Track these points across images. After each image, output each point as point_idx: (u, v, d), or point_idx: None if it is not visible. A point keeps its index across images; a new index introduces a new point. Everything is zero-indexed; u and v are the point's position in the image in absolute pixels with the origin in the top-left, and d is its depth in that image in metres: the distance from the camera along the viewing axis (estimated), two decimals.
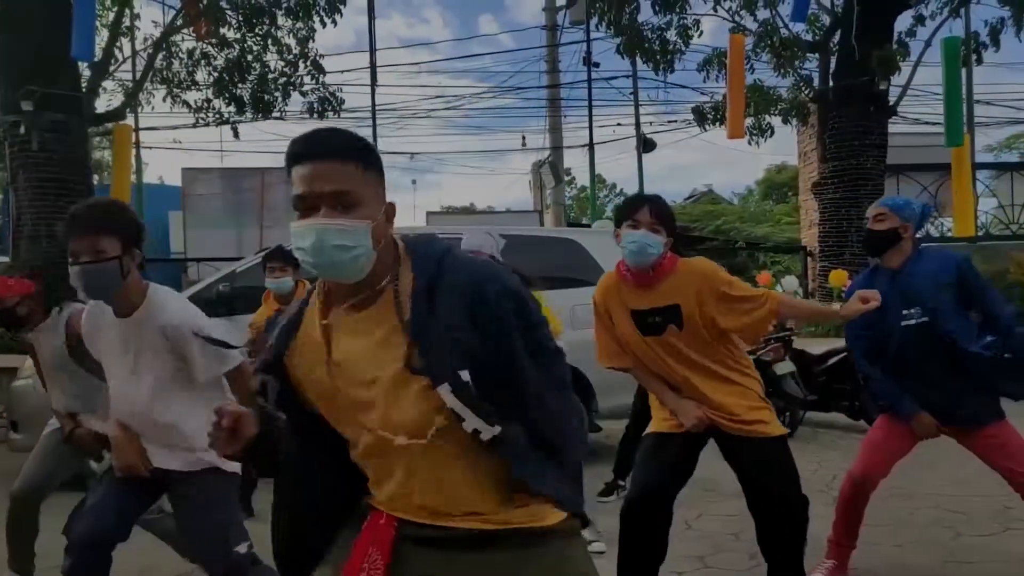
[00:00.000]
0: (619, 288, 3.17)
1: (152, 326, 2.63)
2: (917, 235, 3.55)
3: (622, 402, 6.78)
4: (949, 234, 13.13)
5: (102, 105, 12.48)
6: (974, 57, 11.63)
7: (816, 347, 8.60)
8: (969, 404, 3.42)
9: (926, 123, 15.03)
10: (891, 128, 12.67)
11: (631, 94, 15.02)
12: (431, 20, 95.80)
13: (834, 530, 3.69)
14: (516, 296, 1.53)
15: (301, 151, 1.51)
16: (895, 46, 11.37)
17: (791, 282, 12.04)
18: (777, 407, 7.71)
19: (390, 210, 1.56)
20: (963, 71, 13.14)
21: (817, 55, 12.57)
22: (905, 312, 3.40)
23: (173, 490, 2.84)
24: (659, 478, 3.08)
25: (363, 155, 1.53)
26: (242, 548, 2.72)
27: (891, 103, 11.81)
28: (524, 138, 25.74)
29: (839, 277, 10.80)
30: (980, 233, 14.37)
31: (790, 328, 8.69)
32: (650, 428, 3.23)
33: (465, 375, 1.47)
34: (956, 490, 5.35)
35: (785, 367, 7.77)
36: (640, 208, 3.04)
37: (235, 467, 2.75)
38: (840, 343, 8.45)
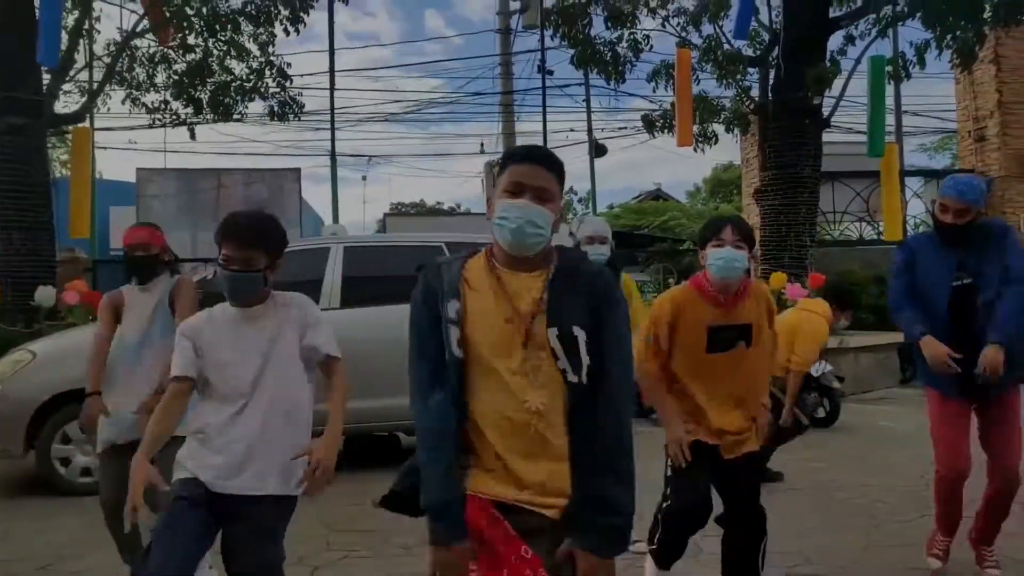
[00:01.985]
0: (696, 303, 3.33)
1: (276, 316, 2.82)
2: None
3: None
4: (881, 237, 13.88)
5: (60, 107, 12.57)
6: (902, 74, 12.34)
7: None
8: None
9: (860, 132, 15.89)
10: (827, 137, 13.38)
11: (584, 101, 15.52)
12: (377, 14, 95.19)
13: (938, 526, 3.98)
14: (615, 294, 2.08)
15: (524, 154, 2.12)
16: (828, 63, 12.03)
17: None
18: None
19: (560, 215, 2.12)
20: (892, 86, 13.97)
21: (757, 69, 13.19)
22: (956, 274, 3.67)
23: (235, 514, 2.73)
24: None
25: (559, 171, 2.11)
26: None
27: (825, 116, 12.49)
28: (483, 144, 26.02)
29: (778, 280, 11.45)
30: (910, 236, 15.25)
31: None
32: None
33: (576, 330, 1.98)
34: (881, 481, 5.93)
35: None
36: (724, 227, 3.26)
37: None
38: None
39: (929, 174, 16.77)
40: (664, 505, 3.45)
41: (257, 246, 2.77)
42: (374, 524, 4.94)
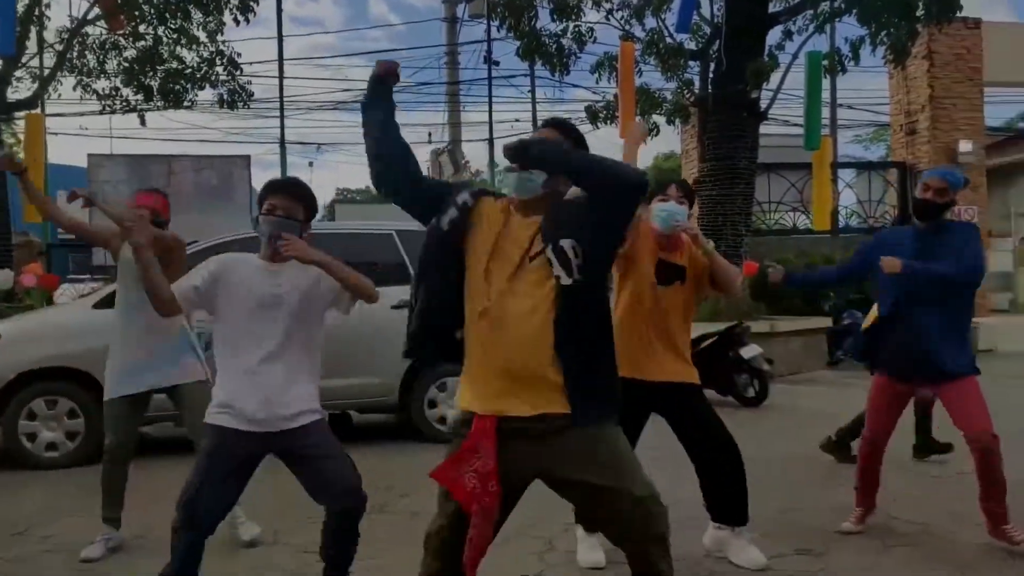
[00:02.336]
0: (649, 238, 3.77)
1: (299, 269, 3.10)
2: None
3: None
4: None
5: (11, 93, 12.61)
6: (838, 68, 12.92)
7: (692, 331, 9.66)
8: (950, 354, 3.92)
9: (797, 124, 16.54)
10: (765, 129, 13.95)
11: (529, 92, 15.91)
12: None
13: (857, 492, 4.36)
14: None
15: (548, 122, 2.66)
16: (767, 58, 12.54)
17: None
18: None
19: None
20: (828, 80, 14.60)
21: (698, 62, 13.67)
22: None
23: (288, 453, 3.08)
24: None
25: (574, 136, 2.58)
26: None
27: (763, 109, 13.04)
28: (430, 135, 26.26)
29: None
30: (841, 226, 15.97)
31: None
32: None
33: (565, 242, 2.31)
34: (800, 454, 6.42)
35: None
36: (669, 186, 3.78)
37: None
38: (713, 327, 9.59)
39: (862, 166, 17.51)
40: None
41: (299, 200, 3.16)
42: None
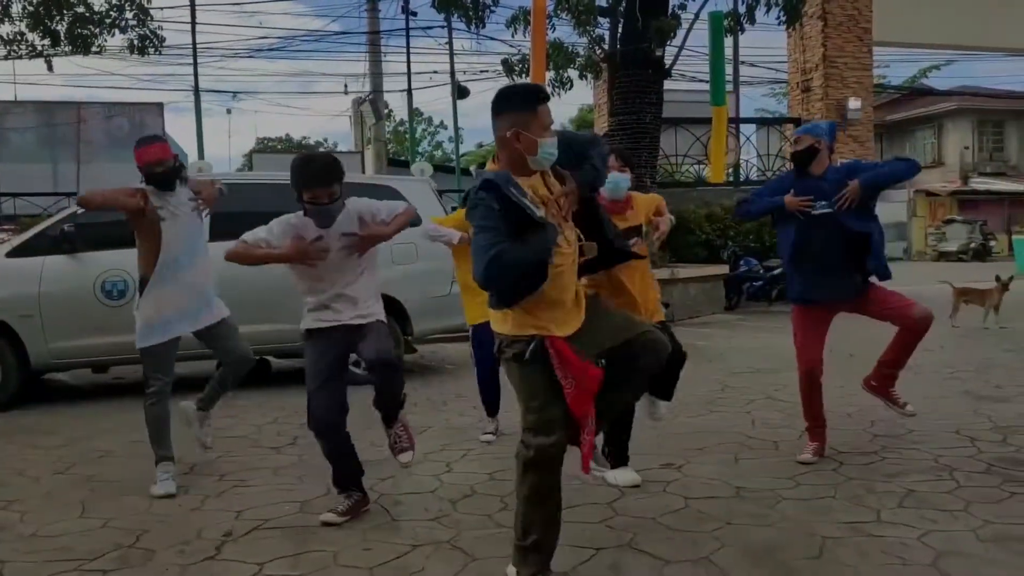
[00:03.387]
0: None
1: (348, 219, 3.88)
2: (830, 146, 4.55)
3: (434, 326, 8.13)
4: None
5: None
6: (737, 28, 13.50)
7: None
8: (855, 281, 4.45)
9: (702, 81, 17.16)
10: (673, 85, 14.46)
11: (447, 43, 16.07)
12: None
13: (805, 418, 4.67)
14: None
15: (545, 95, 3.00)
16: (670, 17, 13.03)
17: None
18: None
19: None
20: (731, 39, 15.17)
21: (608, 19, 14.07)
22: (818, 204, 4.37)
23: (359, 338, 3.90)
24: None
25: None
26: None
27: (667, 66, 13.56)
28: (347, 85, 26.06)
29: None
30: (741, 179, 16.73)
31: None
32: None
33: None
34: (684, 388, 7.02)
35: None
36: (608, 156, 3.93)
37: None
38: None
39: (761, 121, 18.28)
40: None
41: (334, 182, 3.76)
42: (244, 431, 5.78)
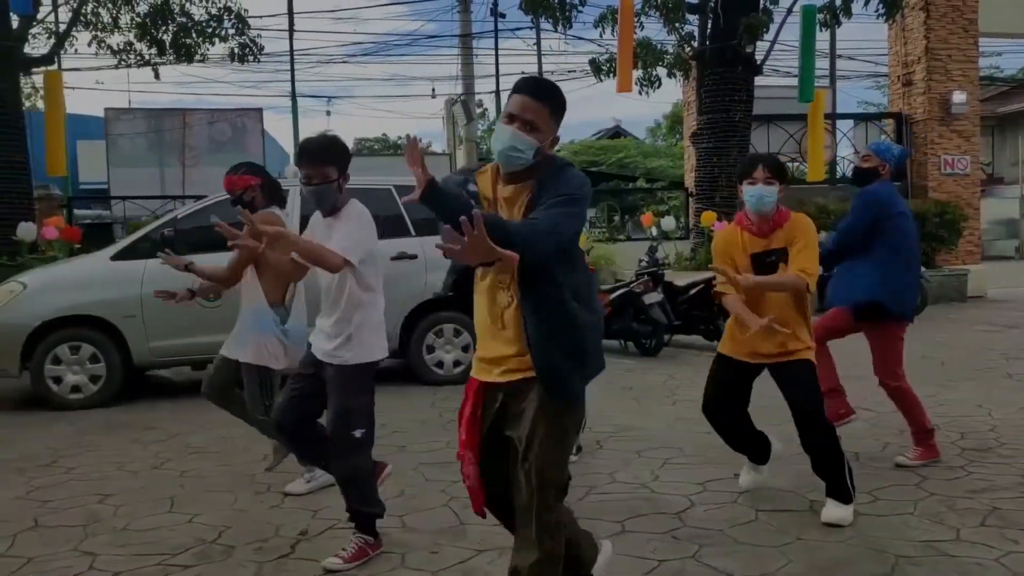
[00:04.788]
0: (738, 236, 3.87)
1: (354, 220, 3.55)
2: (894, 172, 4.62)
3: None
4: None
5: (28, 49, 13.01)
6: (833, 21, 13.13)
7: (681, 279, 10.09)
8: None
9: (796, 76, 16.73)
10: (764, 80, 14.17)
11: (534, 45, 16.12)
12: None
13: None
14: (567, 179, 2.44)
15: (522, 86, 2.46)
16: (760, 13, 12.77)
17: (669, 222, 13.63)
18: (643, 332, 9.32)
19: (554, 140, 2.50)
20: (826, 32, 14.76)
21: (697, 16, 13.89)
22: None
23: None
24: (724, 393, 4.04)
25: (551, 101, 2.44)
26: (357, 432, 3.49)
27: (758, 63, 13.30)
28: (434, 88, 26.43)
29: (708, 218, 12.41)
30: (839, 176, 16.24)
31: (661, 262, 10.19)
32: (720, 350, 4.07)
33: None
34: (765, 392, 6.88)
35: (653, 297, 9.24)
36: (756, 167, 3.76)
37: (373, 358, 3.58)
38: (701, 276, 10.02)
39: (860, 117, 17.70)
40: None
41: (327, 162, 3.50)
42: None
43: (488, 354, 2.53)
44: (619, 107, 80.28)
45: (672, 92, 57.18)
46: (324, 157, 3.51)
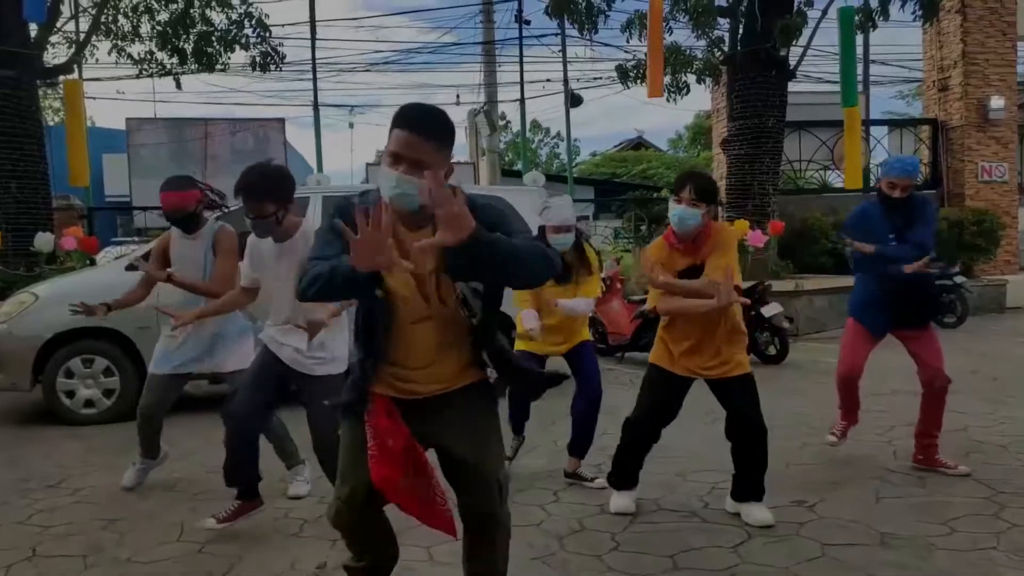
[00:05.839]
0: (666, 252, 3.88)
1: (300, 244, 3.68)
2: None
3: None
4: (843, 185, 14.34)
5: (48, 58, 12.89)
6: (869, 24, 12.70)
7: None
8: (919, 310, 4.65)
9: (827, 82, 16.32)
10: (796, 86, 13.75)
11: (560, 51, 15.80)
12: None
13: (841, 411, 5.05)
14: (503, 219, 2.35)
15: (404, 122, 2.25)
16: (795, 16, 12.37)
17: None
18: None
19: (449, 171, 2.26)
20: (859, 36, 14.34)
21: (728, 20, 13.52)
22: (891, 236, 4.59)
23: (304, 389, 3.85)
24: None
25: (439, 136, 2.26)
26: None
27: (791, 67, 12.90)
28: (459, 95, 26.22)
29: (741, 226, 12.00)
30: (873, 183, 15.79)
31: None
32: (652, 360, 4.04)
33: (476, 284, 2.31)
34: (812, 410, 6.53)
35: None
36: (684, 186, 3.75)
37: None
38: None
39: (895, 123, 17.25)
40: (626, 417, 4.13)
41: (264, 199, 3.59)
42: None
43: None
44: (641, 118, 79.86)
45: (695, 101, 56.97)
46: (259, 194, 3.58)
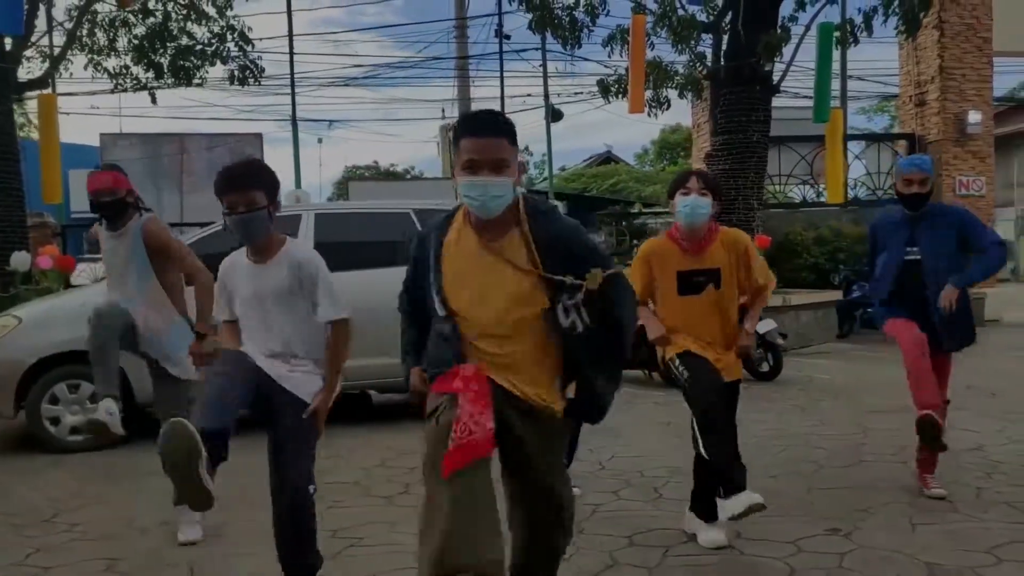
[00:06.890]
0: (668, 251, 3.75)
1: (285, 265, 3.16)
2: None
3: None
4: (823, 199, 14.43)
5: (22, 73, 12.55)
6: (850, 39, 12.79)
7: None
8: (942, 333, 4.41)
9: (806, 97, 16.41)
10: (775, 102, 13.80)
11: (540, 66, 15.78)
12: None
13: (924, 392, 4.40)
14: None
15: (473, 128, 2.40)
16: (779, 31, 12.41)
17: None
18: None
19: (522, 168, 2.47)
20: (839, 51, 14.45)
21: (711, 35, 13.54)
22: (908, 249, 4.45)
23: (278, 412, 3.17)
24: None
25: (510, 133, 2.40)
26: (311, 488, 3.18)
27: (775, 82, 12.94)
28: (444, 109, 26.11)
29: None
30: (850, 198, 15.91)
31: None
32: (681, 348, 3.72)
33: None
34: (820, 430, 6.46)
35: None
36: (690, 178, 3.67)
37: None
38: None
39: (872, 137, 17.41)
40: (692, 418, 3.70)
41: (255, 186, 3.12)
42: (351, 476, 5.42)
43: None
44: (609, 133, 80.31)
45: (670, 115, 57.09)
46: (248, 182, 3.13)
